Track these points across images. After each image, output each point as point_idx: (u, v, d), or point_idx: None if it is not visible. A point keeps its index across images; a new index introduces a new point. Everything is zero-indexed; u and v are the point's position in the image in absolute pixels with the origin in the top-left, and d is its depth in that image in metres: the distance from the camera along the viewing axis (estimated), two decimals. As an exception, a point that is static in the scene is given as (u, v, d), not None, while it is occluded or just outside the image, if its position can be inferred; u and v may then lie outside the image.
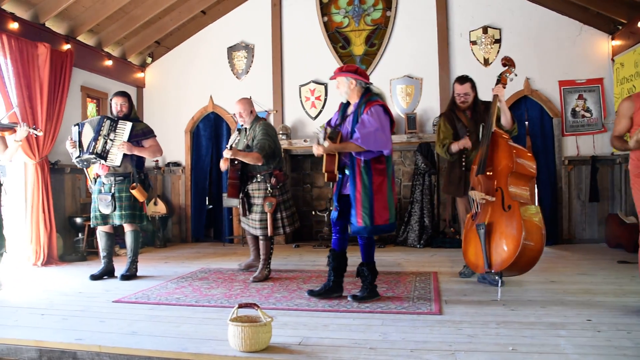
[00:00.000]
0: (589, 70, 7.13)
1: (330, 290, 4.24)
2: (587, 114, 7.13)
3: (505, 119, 4.51)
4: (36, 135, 4.65)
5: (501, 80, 4.37)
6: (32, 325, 3.61)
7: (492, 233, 4.00)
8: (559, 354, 2.80)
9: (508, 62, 4.41)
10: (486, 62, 7.40)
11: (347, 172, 4.08)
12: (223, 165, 5.16)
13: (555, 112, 7.21)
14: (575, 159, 7.17)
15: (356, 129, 3.91)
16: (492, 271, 4.03)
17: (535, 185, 7.23)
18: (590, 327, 3.27)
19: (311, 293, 4.28)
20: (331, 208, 7.47)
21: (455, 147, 4.66)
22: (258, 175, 5.06)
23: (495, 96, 4.33)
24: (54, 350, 3.20)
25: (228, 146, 4.98)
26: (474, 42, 7.48)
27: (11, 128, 4.72)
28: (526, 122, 7.28)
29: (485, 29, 7.43)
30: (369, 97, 4.04)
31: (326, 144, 3.94)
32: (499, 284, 4.04)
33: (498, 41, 7.40)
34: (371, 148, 3.88)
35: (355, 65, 4.26)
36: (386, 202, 3.98)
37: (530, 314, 3.61)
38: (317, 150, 4.01)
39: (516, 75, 4.47)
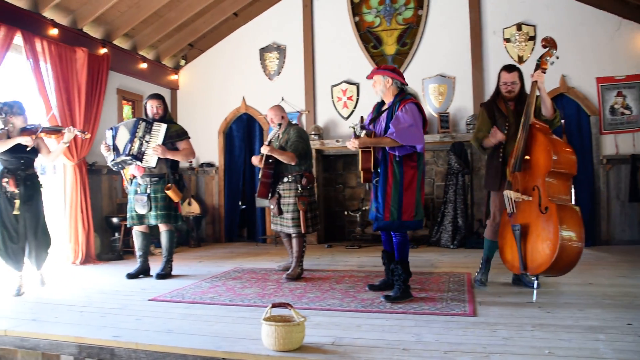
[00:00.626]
0: (629, 66, 6.92)
1: (390, 285, 4.38)
2: (627, 111, 6.93)
3: (545, 108, 4.18)
4: (83, 138, 4.76)
5: (541, 65, 4.05)
6: (71, 322, 3.72)
7: (528, 235, 3.91)
8: (598, 358, 2.74)
9: (548, 44, 4.07)
10: (520, 60, 7.27)
11: (379, 170, 4.15)
12: (255, 160, 5.25)
13: (593, 110, 7.03)
14: (614, 158, 6.97)
15: (391, 125, 4.01)
16: (528, 274, 3.95)
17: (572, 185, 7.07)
18: (631, 331, 3.17)
19: (372, 287, 4.51)
20: (364, 208, 7.50)
21: (488, 142, 4.38)
22: (289, 176, 5.14)
23: (534, 83, 4.04)
24: (93, 347, 3.29)
25: (267, 142, 5.10)
26: (507, 40, 7.35)
27: (58, 131, 4.84)
28: (562, 121, 7.11)
29: (519, 26, 7.29)
30: (404, 95, 4.14)
31: (363, 133, 4.04)
32: (535, 286, 3.96)
33: (533, 38, 7.26)
34: (405, 142, 3.96)
35: (394, 66, 4.34)
36: (415, 199, 4.05)
37: (567, 316, 3.53)
38: (352, 144, 4.09)
39: (557, 57, 4.11)
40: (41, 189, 4.89)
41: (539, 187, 3.88)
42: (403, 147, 3.99)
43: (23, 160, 4.70)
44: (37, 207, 4.77)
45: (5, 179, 4.62)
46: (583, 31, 7.06)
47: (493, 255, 4.49)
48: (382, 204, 4.06)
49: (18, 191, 4.63)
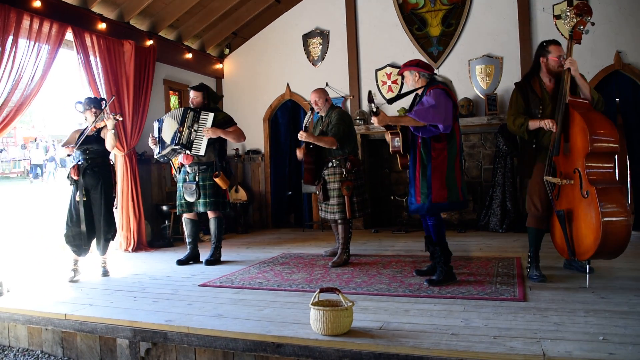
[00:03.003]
0: (690, 40, 6.55)
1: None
2: (688, 87, 6.58)
3: (584, 95, 3.92)
4: (117, 120, 4.92)
5: (574, 36, 3.77)
6: (126, 306, 3.86)
7: (573, 220, 3.79)
8: (655, 344, 2.64)
9: (582, 11, 3.74)
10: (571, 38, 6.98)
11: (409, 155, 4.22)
12: (299, 154, 5.26)
13: (651, 87, 6.71)
14: (672, 137, 6.64)
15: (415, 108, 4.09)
16: (577, 259, 3.84)
17: (628, 163, 6.78)
18: (692, 316, 3.06)
19: (419, 272, 4.52)
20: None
21: (534, 124, 3.99)
22: (333, 160, 5.14)
23: (567, 70, 3.80)
24: (147, 331, 3.40)
25: (303, 127, 5.11)
26: (557, 17, 7.07)
27: (103, 120, 5.03)
28: (617, 99, 6.82)
29: (570, 1, 7.00)
30: (432, 83, 4.21)
31: (373, 107, 3.98)
32: (587, 271, 3.84)
33: (585, 13, 6.95)
34: (424, 121, 3.94)
35: (417, 59, 4.38)
36: (444, 180, 4.04)
37: (622, 302, 3.42)
38: (375, 122, 4.08)
39: (593, 24, 3.80)
40: (110, 180, 5.03)
41: (579, 170, 3.72)
42: (426, 129, 3.99)
43: (88, 151, 4.95)
44: (99, 195, 4.94)
45: (71, 168, 4.94)
46: (640, 3, 6.71)
47: (540, 245, 4.21)
48: (413, 188, 4.14)
49: (77, 179, 4.89)
